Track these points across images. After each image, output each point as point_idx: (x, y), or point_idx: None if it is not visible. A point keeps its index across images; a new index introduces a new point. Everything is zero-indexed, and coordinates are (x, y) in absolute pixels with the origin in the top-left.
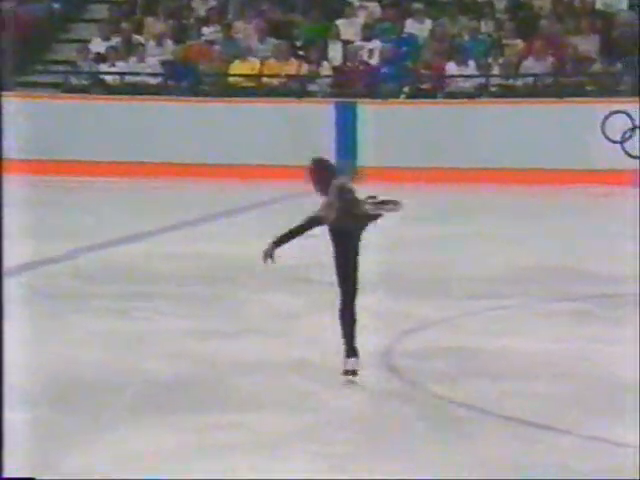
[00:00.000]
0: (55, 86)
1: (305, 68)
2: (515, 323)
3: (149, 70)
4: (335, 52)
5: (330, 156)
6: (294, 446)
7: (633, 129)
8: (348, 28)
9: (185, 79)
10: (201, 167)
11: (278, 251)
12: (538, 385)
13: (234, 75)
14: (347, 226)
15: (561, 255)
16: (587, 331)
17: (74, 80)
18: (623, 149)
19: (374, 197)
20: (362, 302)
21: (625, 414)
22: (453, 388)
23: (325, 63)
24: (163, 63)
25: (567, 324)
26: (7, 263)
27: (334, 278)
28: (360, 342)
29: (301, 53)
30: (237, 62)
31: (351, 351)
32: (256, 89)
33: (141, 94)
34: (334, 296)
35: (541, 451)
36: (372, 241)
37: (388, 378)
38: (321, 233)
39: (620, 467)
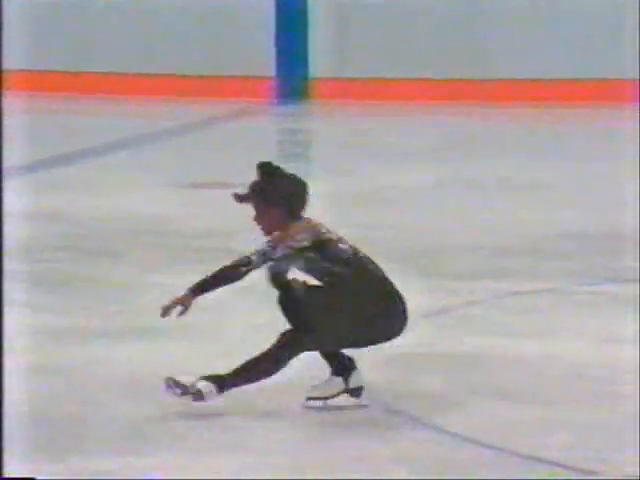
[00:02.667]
0: None
1: None
2: (540, 317)
3: None
4: None
5: (269, 64)
6: None
7: None
8: None
9: None
10: (69, 76)
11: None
12: (571, 410)
13: None
14: None
15: (611, 214)
16: None
17: None
18: None
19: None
20: None
21: None
22: (447, 415)
23: None
24: None
25: (619, 318)
26: None
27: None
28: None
29: None
30: None
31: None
32: None
33: None
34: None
35: None
36: (340, 193)
37: (354, 401)
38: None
39: None
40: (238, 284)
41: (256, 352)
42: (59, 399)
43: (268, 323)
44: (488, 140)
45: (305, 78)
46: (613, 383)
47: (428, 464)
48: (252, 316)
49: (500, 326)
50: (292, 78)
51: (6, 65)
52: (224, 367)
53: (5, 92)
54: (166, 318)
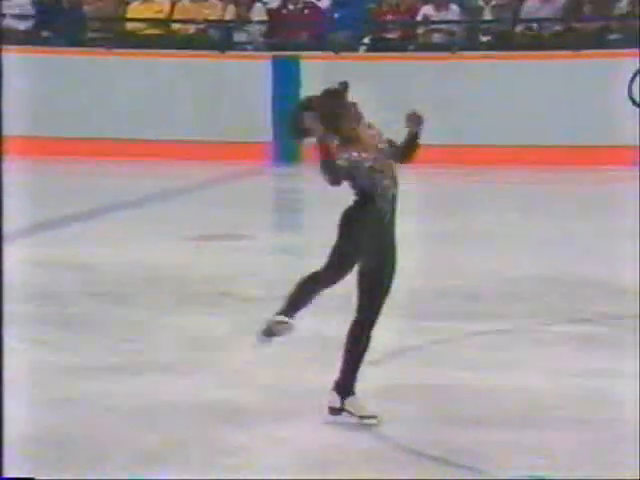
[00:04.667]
0: None
1: (231, 11)
2: (508, 353)
3: (16, 11)
4: None
5: (265, 130)
6: None
7: None
8: None
9: (65, 24)
10: (82, 143)
11: (187, 259)
12: (539, 435)
13: (133, 20)
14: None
15: (570, 262)
16: (603, 363)
17: None
18: None
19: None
20: (303, 324)
21: None
22: (426, 440)
23: (258, 5)
24: (35, 2)
25: (576, 354)
26: None
27: (277, 292)
28: (298, 379)
29: None
30: (137, 2)
31: (349, 389)
32: (164, 38)
33: (4, 43)
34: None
35: None
36: (320, 242)
37: (337, 431)
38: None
39: None
40: (233, 322)
41: (249, 389)
42: (76, 426)
43: (262, 359)
44: (458, 198)
45: (298, 144)
46: (570, 411)
47: None
48: (246, 353)
49: (468, 362)
50: (287, 143)
51: (8, 132)
52: (218, 399)
53: (9, 157)
54: (177, 355)
